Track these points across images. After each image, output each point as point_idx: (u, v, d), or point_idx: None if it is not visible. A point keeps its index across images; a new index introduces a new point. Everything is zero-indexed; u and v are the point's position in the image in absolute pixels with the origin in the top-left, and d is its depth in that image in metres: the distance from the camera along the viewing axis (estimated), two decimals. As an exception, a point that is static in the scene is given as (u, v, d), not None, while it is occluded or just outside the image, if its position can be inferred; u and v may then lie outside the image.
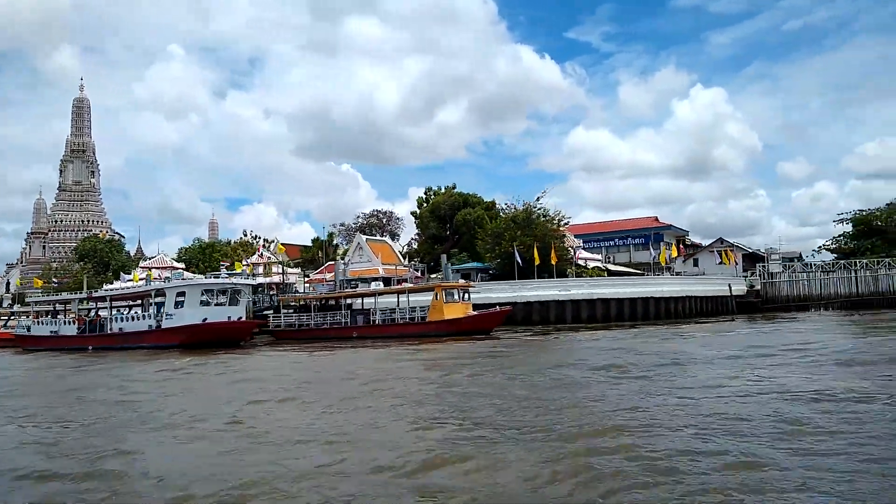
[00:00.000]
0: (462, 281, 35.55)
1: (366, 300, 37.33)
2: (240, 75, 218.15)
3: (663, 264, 49.62)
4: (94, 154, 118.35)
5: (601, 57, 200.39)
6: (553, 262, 41.86)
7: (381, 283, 43.31)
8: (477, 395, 11.61)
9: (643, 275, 51.16)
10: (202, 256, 73.93)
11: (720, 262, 52.13)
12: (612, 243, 64.94)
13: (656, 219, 67.05)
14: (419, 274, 52.42)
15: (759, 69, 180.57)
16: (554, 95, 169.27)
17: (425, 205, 65.27)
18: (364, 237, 50.64)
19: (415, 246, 67.99)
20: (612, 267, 52.48)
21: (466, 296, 33.59)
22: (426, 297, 33.55)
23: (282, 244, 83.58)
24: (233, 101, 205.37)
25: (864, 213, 57.01)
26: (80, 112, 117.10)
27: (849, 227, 57.88)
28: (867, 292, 49.70)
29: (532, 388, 12.31)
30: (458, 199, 62.07)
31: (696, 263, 58.10)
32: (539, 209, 46.30)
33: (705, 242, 70.67)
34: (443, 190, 65.90)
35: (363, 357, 22.68)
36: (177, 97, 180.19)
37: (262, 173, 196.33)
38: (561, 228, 46.49)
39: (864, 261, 50.71)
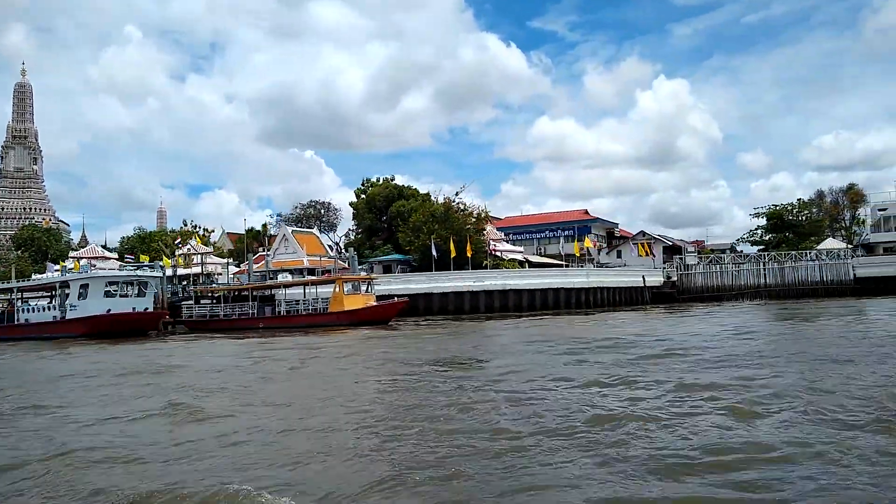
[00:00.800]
0: (363, 273, 36.58)
1: (284, 291, 38.10)
2: (200, 59, 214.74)
3: (577, 255, 51.32)
4: (36, 140, 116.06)
5: (566, 46, 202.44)
6: (469, 255, 43.14)
7: (306, 274, 44.30)
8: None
9: (566, 266, 52.97)
10: (142, 246, 73.56)
11: (639, 255, 54.20)
12: (543, 235, 66.61)
13: (586, 212, 68.91)
14: (346, 265, 53.35)
15: (720, 61, 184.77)
16: (520, 84, 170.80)
17: (363, 196, 66.00)
18: (290, 229, 51.31)
19: (352, 237, 68.71)
20: (534, 258, 54.07)
21: (369, 287, 34.71)
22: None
23: (229, 233, 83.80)
24: (193, 85, 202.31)
25: (777, 207, 59.61)
26: (23, 97, 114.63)
27: (763, 221, 60.49)
28: (775, 283, 52.26)
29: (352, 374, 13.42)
30: (393, 191, 62.92)
31: (619, 255, 60.15)
32: (457, 203, 47.54)
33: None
34: (381, 181, 66.76)
35: (221, 350, 23.60)
36: (134, 80, 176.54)
37: (224, 159, 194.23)
38: (481, 222, 47.77)
39: (773, 253, 53.27)
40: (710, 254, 60.52)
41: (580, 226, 63.96)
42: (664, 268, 55.08)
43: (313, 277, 36.78)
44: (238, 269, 53.51)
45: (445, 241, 43.51)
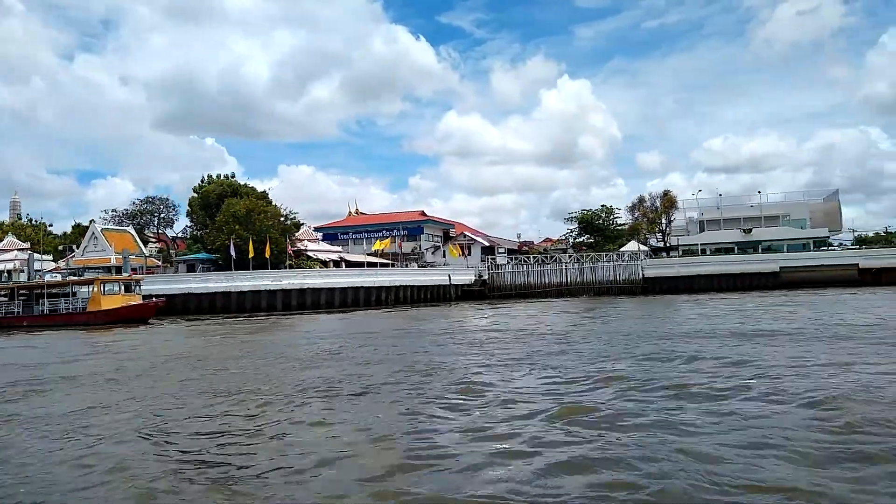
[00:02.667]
0: (125, 274, 37.19)
1: (61, 289, 38.11)
2: (91, 38, 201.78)
3: (377, 251, 53.68)
4: None
5: (474, 43, 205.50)
6: (267, 256, 44.48)
7: (114, 272, 44.19)
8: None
9: (391, 265, 55.40)
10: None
11: (460, 255, 57.30)
12: (379, 235, 68.74)
13: (423, 213, 71.69)
14: (160, 263, 53.45)
15: (621, 64, 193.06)
16: (429, 78, 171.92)
17: (196, 194, 65.74)
18: (99, 226, 50.71)
19: (188, 234, 68.32)
20: (351, 258, 56.03)
21: (136, 287, 35.57)
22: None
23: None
24: (83, 64, 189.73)
25: (587, 213, 64.49)
26: None
27: (574, 225, 65.30)
28: (575, 282, 56.71)
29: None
30: (227, 189, 63.15)
31: (444, 255, 63.23)
32: (260, 205, 48.89)
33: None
34: (220, 178, 66.69)
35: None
36: (17, 57, 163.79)
37: (118, 145, 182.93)
38: (287, 225, 49.28)
39: (576, 255, 57.79)
40: (541, 253, 64.55)
41: (413, 226, 66.58)
42: (478, 267, 58.44)
43: (73, 278, 37.08)
44: (55, 267, 52.51)
45: (246, 242, 44.70)
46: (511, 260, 58.90)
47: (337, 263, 53.59)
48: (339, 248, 59.09)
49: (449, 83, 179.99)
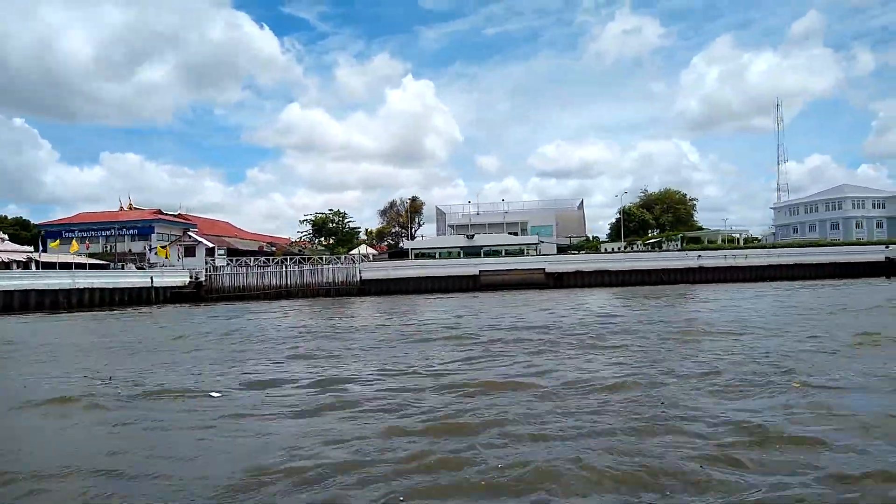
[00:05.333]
0: None
1: None
2: None
3: (72, 252, 51.42)
4: None
5: (318, 36, 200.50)
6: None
7: None
8: None
9: (120, 266, 53.00)
10: None
11: (178, 256, 55.99)
12: (110, 233, 65.55)
13: (160, 211, 69.48)
14: None
15: (462, 68, 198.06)
16: (271, 69, 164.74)
17: None
18: None
19: None
20: (46, 258, 52.82)
21: None
22: None
23: None
24: None
25: (322, 216, 66.17)
26: None
27: (307, 227, 66.73)
28: (296, 284, 57.74)
29: None
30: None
31: (156, 255, 61.74)
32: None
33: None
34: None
35: None
36: None
37: None
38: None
39: (297, 257, 58.93)
40: (289, 254, 64.76)
41: (144, 226, 64.19)
42: (195, 269, 57.58)
43: None
44: None
45: None
46: (230, 263, 58.68)
47: (26, 265, 50.24)
48: (30, 249, 55.33)
49: (292, 75, 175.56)
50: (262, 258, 60.11)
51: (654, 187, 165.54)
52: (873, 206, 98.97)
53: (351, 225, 65.61)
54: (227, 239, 67.22)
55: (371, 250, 64.27)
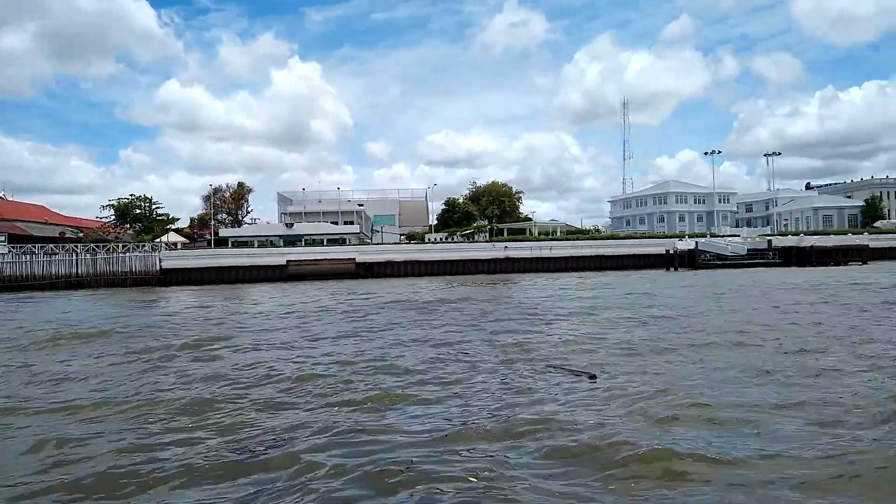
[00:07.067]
0: None
1: None
2: None
3: None
4: None
5: (198, 11, 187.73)
6: None
7: None
8: None
9: None
10: None
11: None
12: None
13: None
14: None
15: (350, 52, 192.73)
16: (148, 42, 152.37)
17: None
18: None
19: None
20: None
21: None
22: None
23: None
24: None
25: (126, 200, 62.77)
26: None
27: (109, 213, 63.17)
28: (86, 273, 54.32)
29: None
30: None
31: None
32: None
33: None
34: None
35: None
36: None
37: None
38: None
39: (90, 245, 55.52)
40: (97, 241, 60.52)
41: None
42: None
43: None
44: None
45: None
46: (13, 250, 54.32)
47: None
48: None
49: (171, 50, 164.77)
50: (52, 245, 56.00)
51: (537, 178, 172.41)
52: (695, 202, 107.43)
53: (160, 211, 62.46)
54: (19, 224, 62.16)
55: (181, 238, 61.64)
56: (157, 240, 59.54)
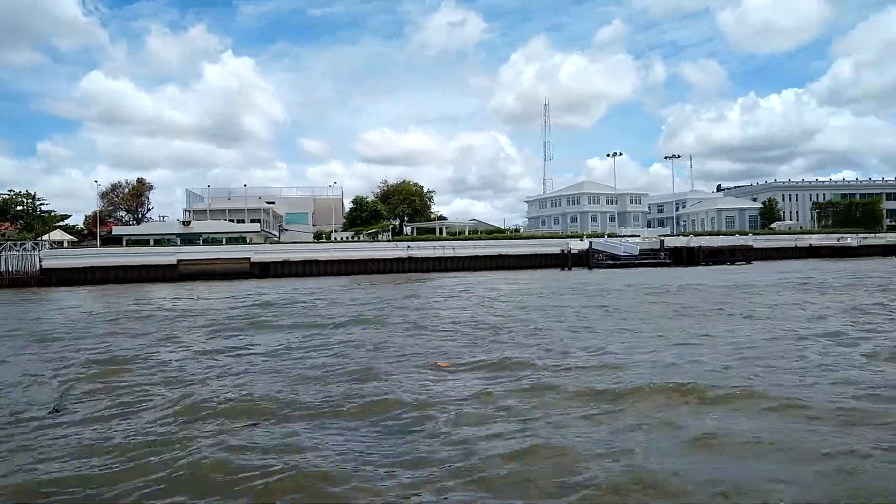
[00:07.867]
0: None
1: None
2: None
3: None
4: None
5: (125, 1, 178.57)
6: None
7: None
8: None
9: None
10: None
11: None
12: None
13: None
14: None
15: (284, 47, 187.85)
16: (70, 31, 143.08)
17: None
18: None
19: None
20: None
21: None
22: None
23: None
24: None
25: (6, 196, 59.62)
26: None
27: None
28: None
29: None
30: None
31: None
32: None
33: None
34: None
35: None
36: None
37: None
38: None
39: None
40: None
41: None
42: None
43: None
44: None
45: None
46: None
47: None
48: None
49: (95, 40, 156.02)
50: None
51: (473, 178, 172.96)
52: (607, 202, 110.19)
53: (44, 208, 59.46)
54: None
55: (68, 236, 58.87)
56: (41, 238, 56.68)
